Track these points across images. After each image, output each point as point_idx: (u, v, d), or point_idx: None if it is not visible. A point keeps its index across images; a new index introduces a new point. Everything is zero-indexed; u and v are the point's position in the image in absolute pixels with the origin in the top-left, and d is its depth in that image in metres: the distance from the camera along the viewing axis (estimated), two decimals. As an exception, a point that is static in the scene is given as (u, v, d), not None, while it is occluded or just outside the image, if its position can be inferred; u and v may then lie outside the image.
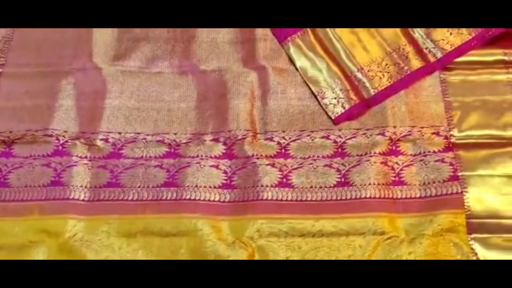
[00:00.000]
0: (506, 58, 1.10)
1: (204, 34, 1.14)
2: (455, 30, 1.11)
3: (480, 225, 0.95)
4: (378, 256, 0.93)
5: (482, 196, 0.98)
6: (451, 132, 1.04)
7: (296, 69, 1.10)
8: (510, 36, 1.12)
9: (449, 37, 1.11)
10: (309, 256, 0.94)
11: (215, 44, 1.13)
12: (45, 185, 1.00)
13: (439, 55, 1.10)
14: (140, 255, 0.94)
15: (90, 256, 0.94)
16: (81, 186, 1.00)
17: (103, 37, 1.14)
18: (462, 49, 1.11)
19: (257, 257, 0.94)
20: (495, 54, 1.11)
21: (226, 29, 1.14)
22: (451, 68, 1.10)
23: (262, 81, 1.09)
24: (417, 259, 0.93)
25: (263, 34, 1.13)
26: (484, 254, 0.93)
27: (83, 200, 0.99)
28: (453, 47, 1.10)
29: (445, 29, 1.11)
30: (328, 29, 1.12)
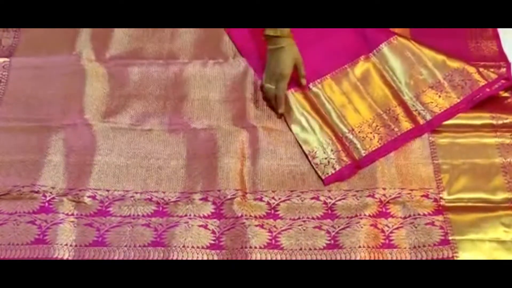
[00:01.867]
0: (493, 122, 1.12)
1: (196, 92, 1.15)
2: (443, 93, 1.13)
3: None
4: (368, 322, 0.91)
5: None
6: (440, 195, 1.04)
7: (289, 127, 1.11)
8: (498, 99, 1.14)
9: (437, 100, 1.13)
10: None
11: (206, 102, 1.14)
12: (28, 243, 0.98)
13: (428, 117, 1.11)
14: (124, 318, 0.91)
15: (72, 319, 0.91)
16: (66, 245, 0.97)
17: (94, 93, 1.15)
18: (450, 112, 1.12)
19: (244, 321, 0.91)
20: (483, 118, 1.12)
21: (218, 88, 1.15)
22: (440, 130, 1.11)
23: (252, 140, 1.09)
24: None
25: (254, 94, 1.15)
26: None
27: (67, 259, 0.96)
28: (442, 110, 1.12)
29: (433, 92, 1.14)
30: (319, 91, 1.14)
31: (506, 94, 1.15)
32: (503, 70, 1.18)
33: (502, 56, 1.21)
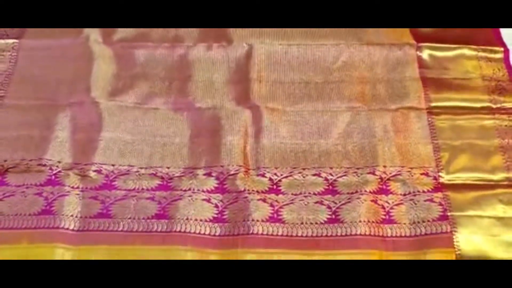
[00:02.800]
0: (492, 105, 1.14)
1: (200, 74, 1.18)
2: None
3: (469, 263, 0.96)
4: (368, 293, 0.93)
5: (471, 236, 0.98)
6: (439, 174, 1.06)
7: None
8: (496, 84, 1.17)
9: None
10: (299, 292, 0.93)
11: (211, 83, 1.17)
12: (35, 213, 1.00)
13: None
14: (128, 286, 0.93)
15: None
16: (71, 216, 1.00)
17: (101, 74, 1.17)
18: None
19: (245, 291, 0.93)
20: (482, 101, 1.15)
21: (222, 70, 1.18)
22: (439, 112, 1.13)
23: (255, 119, 1.11)
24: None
25: (258, 76, 1.17)
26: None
27: (72, 229, 0.98)
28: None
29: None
30: None
31: (504, 79, 1.17)
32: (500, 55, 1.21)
33: (499, 41, 1.23)
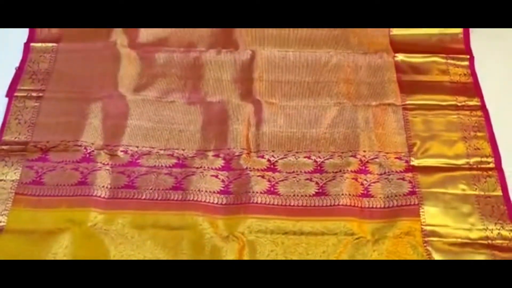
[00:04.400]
0: (457, 103, 1.34)
1: (211, 74, 1.37)
2: None
3: (432, 231, 1.15)
4: (348, 252, 1.12)
5: (435, 208, 1.18)
6: (411, 158, 1.26)
7: None
8: (461, 85, 1.37)
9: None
10: (291, 250, 1.12)
11: (220, 81, 1.37)
12: (73, 184, 1.20)
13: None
14: (149, 244, 1.12)
15: (107, 241, 1.12)
16: (103, 186, 1.20)
17: (127, 72, 1.37)
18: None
19: (246, 249, 1.12)
20: (449, 100, 1.35)
21: (229, 70, 1.37)
22: (412, 108, 1.33)
23: (257, 111, 1.31)
24: (380, 256, 1.11)
25: (259, 76, 1.37)
26: (435, 253, 1.12)
27: (103, 197, 1.18)
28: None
29: None
30: None
31: (468, 81, 1.37)
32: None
33: (467, 48, 1.43)
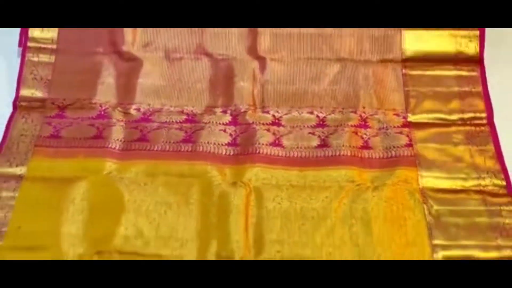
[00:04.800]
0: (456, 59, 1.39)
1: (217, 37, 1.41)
2: None
3: (428, 181, 1.22)
4: (349, 197, 1.18)
5: (430, 160, 1.25)
6: (408, 114, 1.32)
7: None
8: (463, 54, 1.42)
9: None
10: (295, 196, 1.18)
11: (225, 37, 1.38)
12: (89, 137, 1.27)
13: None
14: (161, 190, 1.19)
15: (122, 188, 1.19)
16: (117, 140, 1.27)
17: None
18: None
19: (253, 195, 1.18)
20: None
21: (235, 32, 1.40)
22: (413, 66, 1.37)
23: (261, 68, 1.37)
24: (380, 201, 1.17)
25: (263, 29, 1.39)
26: (430, 199, 1.18)
27: (118, 149, 1.25)
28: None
29: None
30: None
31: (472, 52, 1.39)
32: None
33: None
